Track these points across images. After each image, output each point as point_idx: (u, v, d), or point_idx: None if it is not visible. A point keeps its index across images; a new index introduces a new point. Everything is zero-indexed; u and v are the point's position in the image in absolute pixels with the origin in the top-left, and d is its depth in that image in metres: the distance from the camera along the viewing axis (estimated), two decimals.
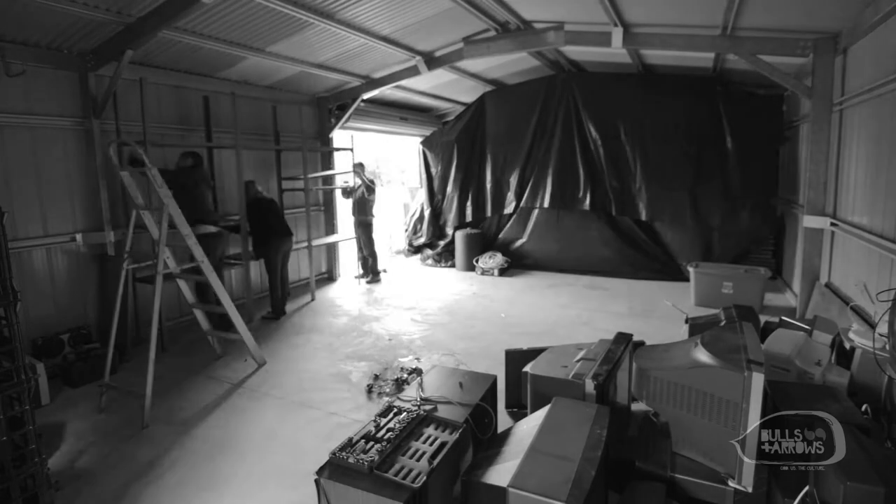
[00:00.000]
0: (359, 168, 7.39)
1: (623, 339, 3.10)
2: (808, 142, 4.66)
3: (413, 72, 6.58)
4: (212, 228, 5.02)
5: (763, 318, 4.19)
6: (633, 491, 2.18)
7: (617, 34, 5.11)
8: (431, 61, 6.41)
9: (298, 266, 7.17)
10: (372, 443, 2.19)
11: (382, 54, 6.05)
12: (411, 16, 5.14)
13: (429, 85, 7.89)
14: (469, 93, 8.71)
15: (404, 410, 2.47)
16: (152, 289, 3.82)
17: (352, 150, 7.54)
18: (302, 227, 6.93)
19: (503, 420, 3.23)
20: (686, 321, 4.06)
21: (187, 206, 4.23)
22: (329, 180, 7.75)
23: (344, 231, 7.87)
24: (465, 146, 8.59)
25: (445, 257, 8.75)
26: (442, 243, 8.93)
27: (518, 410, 3.35)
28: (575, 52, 6.57)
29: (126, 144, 4.44)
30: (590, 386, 2.54)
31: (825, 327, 3.44)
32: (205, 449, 3.19)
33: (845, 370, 3.05)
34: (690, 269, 6.11)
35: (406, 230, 9.63)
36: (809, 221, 4.66)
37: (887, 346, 2.46)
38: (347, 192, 7.49)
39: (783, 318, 3.92)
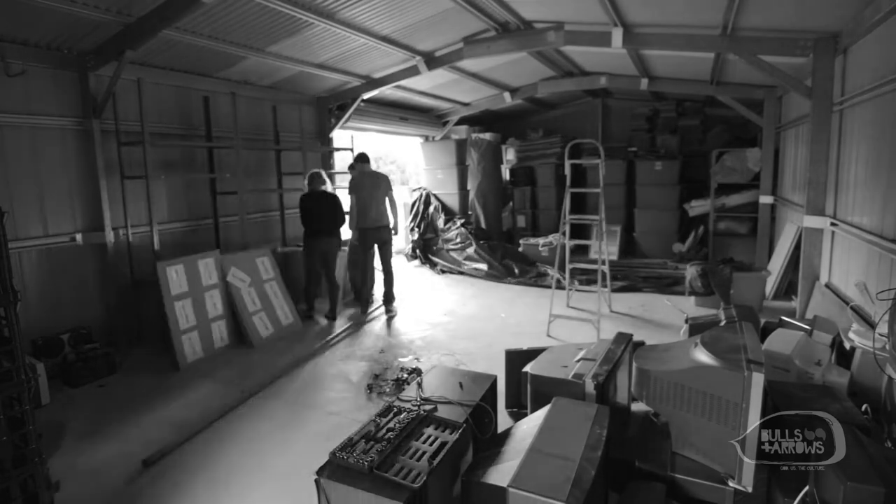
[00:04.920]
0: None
1: (623, 339, 3.10)
2: (808, 142, 4.65)
3: (413, 72, 6.57)
4: None
5: (763, 319, 4.19)
6: (633, 491, 2.18)
7: (617, 34, 5.10)
8: (431, 61, 6.40)
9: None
10: (372, 443, 2.18)
11: (382, 54, 6.04)
12: (411, 16, 5.14)
13: (429, 85, 7.88)
14: (469, 93, 8.71)
15: (404, 410, 2.47)
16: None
17: (352, 149, 7.55)
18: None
19: (503, 420, 3.23)
20: (686, 321, 4.06)
21: None
22: (329, 180, 7.73)
23: (345, 232, 7.85)
24: None
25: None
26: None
27: (518, 410, 3.35)
28: (575, 52, 6.58)
29: None
30: (590, 386, 2.54)
31: (825, 327, 3.44)
32: (205, 449, 3.19)
33: (845, 370, 3.05)
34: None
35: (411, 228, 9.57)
36: (809, 221, 4.65)
37: (887, 346, 2.46)
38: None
39: (783, 318, 3.92)
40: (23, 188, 4.23)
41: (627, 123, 9.70)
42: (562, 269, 5.99)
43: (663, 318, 5.57)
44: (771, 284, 6.00)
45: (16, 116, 4.16)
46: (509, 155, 9.92)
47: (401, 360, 4.55)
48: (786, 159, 6.76)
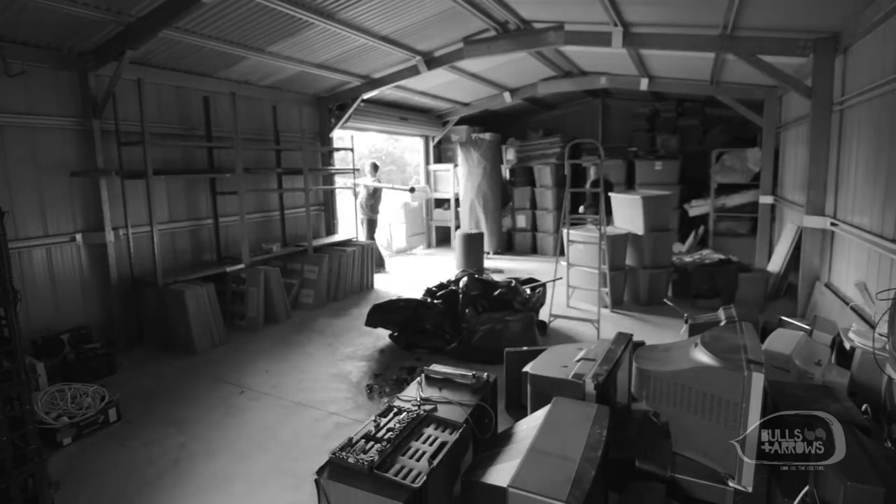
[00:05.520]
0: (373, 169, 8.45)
1: (623, 338, 3.09)
2: (808, 142, 4.65)
3: (413, 72, 6.58)
4: None
5: (762, 319, 4.19)
6: (633, 491, 2.18)
7: (617, 34, 5.10)
8: (431, 61, 6.41)
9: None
10: (372, 443, 2.18)
11: (382, 54, 6.05)
12: (411, 16, 5.14)
13: (429, 85, 7.89)
14: (469, 93, 8.71)
15: (404, 410, 2.47)
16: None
17: (352, 149, 7.55)
18: (302, 228, 6.95)
19: (503, 420, 3.22)
20: (686, 321, 4.05)
21: None
22: (329, 180, 7.75)
23: (344, 231, 7.88)
24: None
25: None
26: None
27: (518, 410, 3.35)
28: (575, 52, 6.58)
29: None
30: (590, 386, 2.54)
31: (825, 327, 3.45)
32: (205, 449, 3.19)
33: (845, 370, 3.05)
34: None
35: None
36: (809, 221, 4.65)
37: (887, 346, 2.46)
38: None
39: (783, 318, 3.93)
40: (23, 188, 4.23)
41: (627, 123, 9.71)
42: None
43: (663, 318, 5.57)
44: (771, 284, 6.00)
45: (16, 116, 4.16)
46: (509, 155, 9.92)
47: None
48: (786, 159, 6.76)
